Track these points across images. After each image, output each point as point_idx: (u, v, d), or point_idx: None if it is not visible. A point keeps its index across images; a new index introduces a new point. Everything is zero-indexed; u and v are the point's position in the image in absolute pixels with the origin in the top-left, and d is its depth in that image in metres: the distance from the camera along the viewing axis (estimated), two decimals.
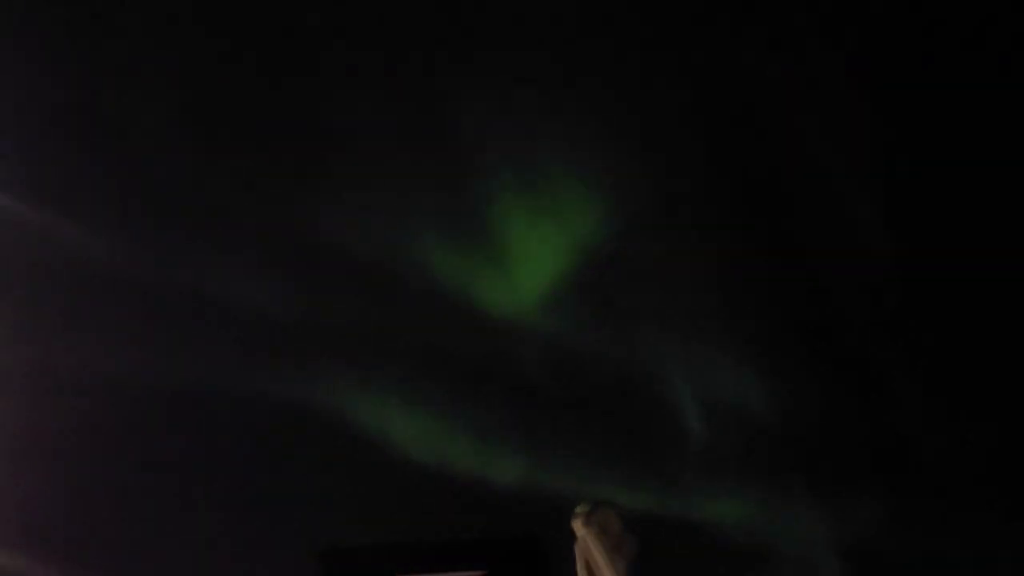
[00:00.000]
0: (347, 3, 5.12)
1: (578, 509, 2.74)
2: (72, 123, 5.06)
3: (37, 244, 5.00)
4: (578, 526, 2.76)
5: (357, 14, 5.38)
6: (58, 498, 4.91)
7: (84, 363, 5.07)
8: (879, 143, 5.64)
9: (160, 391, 5.32)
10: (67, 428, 5.07)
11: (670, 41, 5.72)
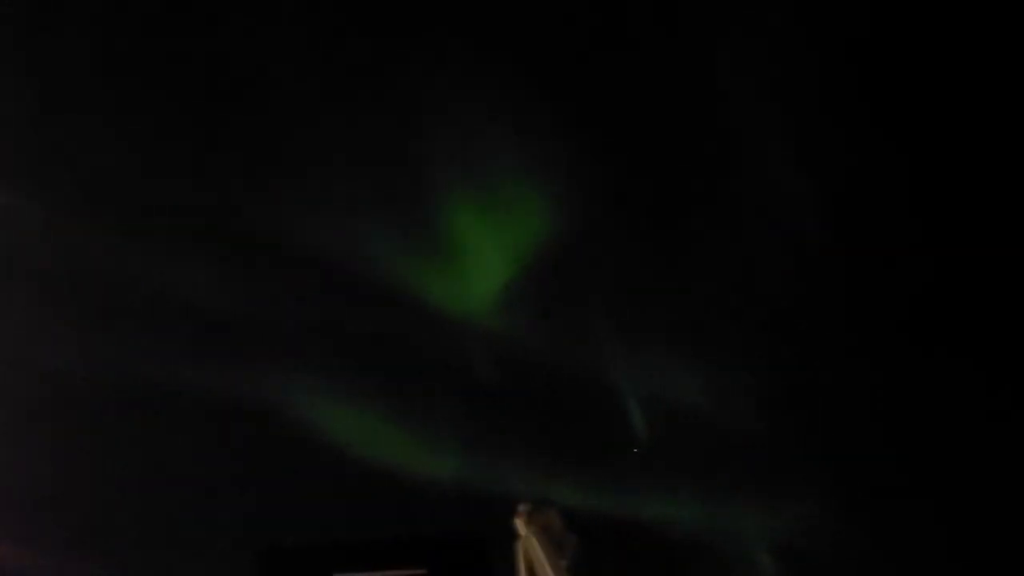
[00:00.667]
0: (302, 10, 5.08)
1: (520, 507, 2.76)
2: (13, 119, 4.92)
3: None
4: (520, 524, 2.78)
5: (311, 19, 5.34)
6: None
7: (27, 357, 4.95)
8: (820, 150, 5.76)
9: (101, 387, 5.23)
10: (8, 420, 4.95)
11: (617, 44, 5.79)
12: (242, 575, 7.00)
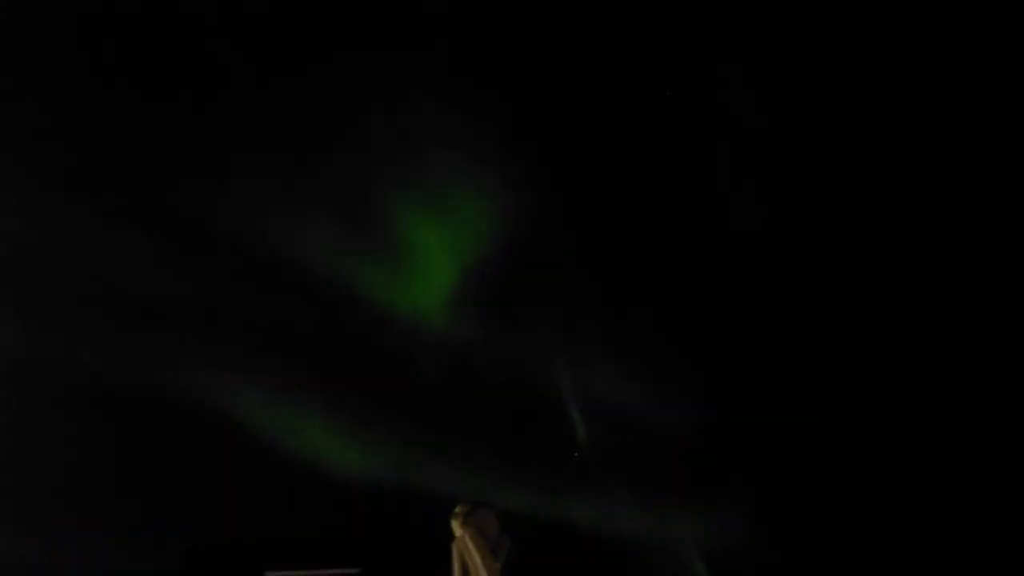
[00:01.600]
0: (252, 7, 5.02)
1: (457, 509, 2.78)
2: None
3: None
4: (456, 526, 2.79)
5: (260, 17, 5.28)
6: None
7: None
8: (768, 157, 5.87)
9: (29, 378, 5.11)
10: None
11: (566, 45, 5.84)
12: (171, 571, 6.88)
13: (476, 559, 2.79)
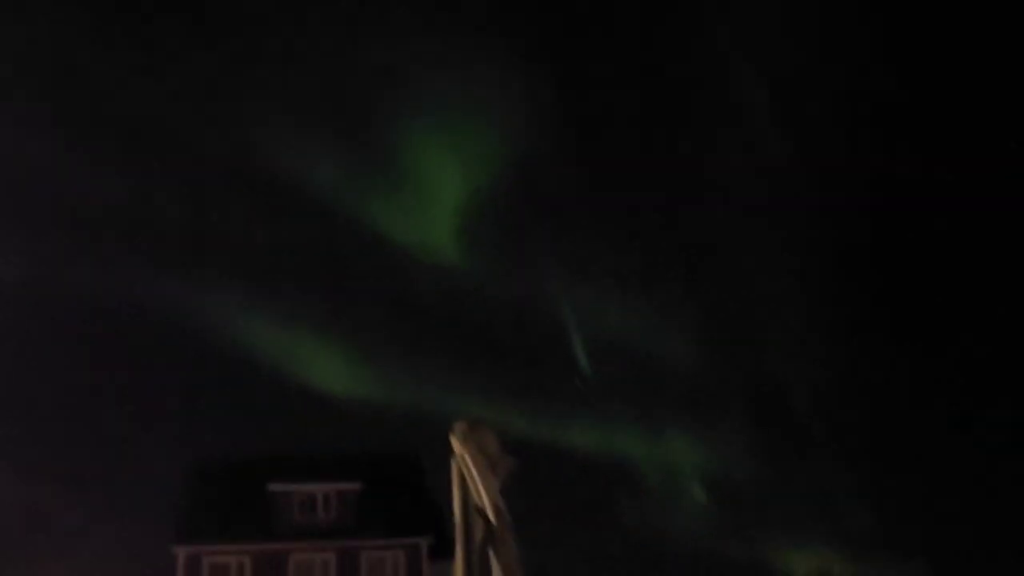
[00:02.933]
0: None
1: (457, 427, 2.81)
2: None
3: None
4: (456, 442, 2.82)
5: None
6: None
7: None
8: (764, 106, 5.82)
9: (34, 298, 5.16)
10: None
11: None
12: (179, 486, 7.03)
13: (476, 476, 2.83)
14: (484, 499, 2.95)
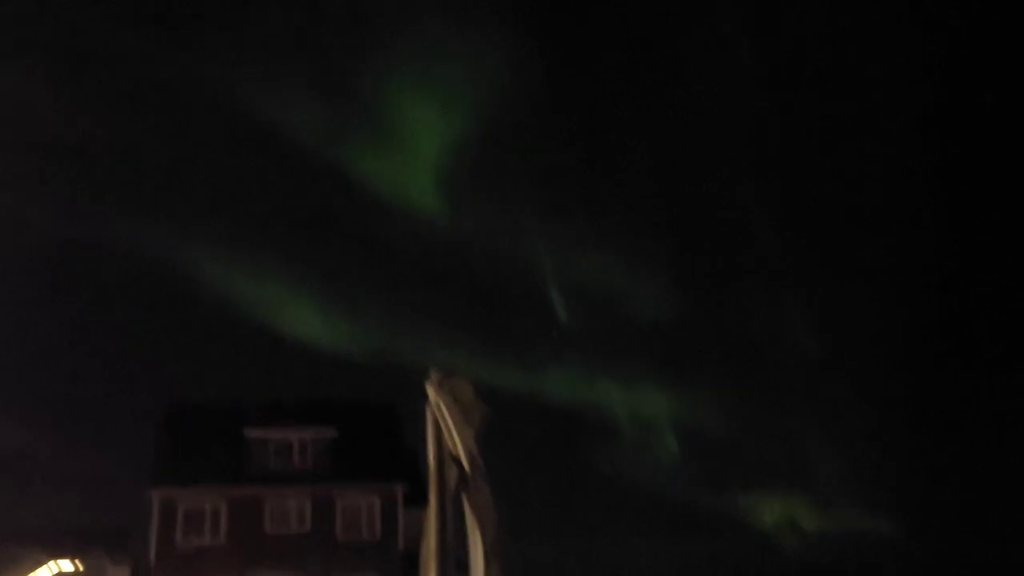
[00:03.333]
0: None
1: (432, 374, 2.82)
2: None
3: None
4: (431, 391, 2.84)
5: None
6: None
7: None
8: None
9: (18, 237, 5.12)
10: None
11: None
12: (154, 429, 7.04)
13: (450, 423, 2.86)
14: (458, 446, 2.98)
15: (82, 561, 7.11)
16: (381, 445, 7.79)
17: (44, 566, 6.91)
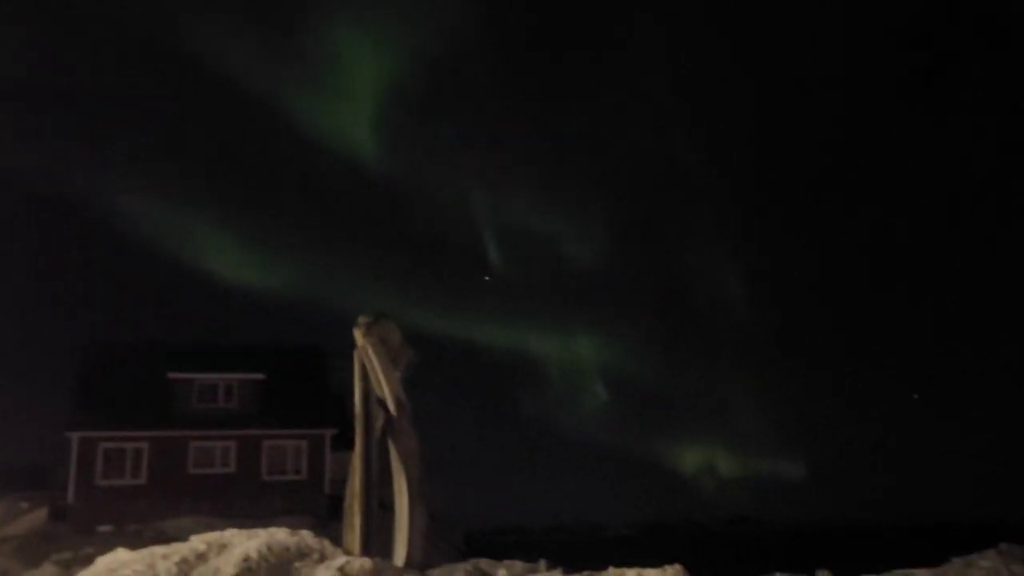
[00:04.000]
0: None
1: (360, 319, 2.80)
2: None
3: None
4: (359, 335, 2.82)
5: None
6: None
7: None
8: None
9: None
10: None
11: None
12: (74, 370, 6.85)
13: (377, 367, 2.85)
14: (385, 390, 2.98)
15: None
16: (309, 389, 7.75)
17: None
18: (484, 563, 4.59)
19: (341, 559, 2.35)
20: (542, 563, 4.31)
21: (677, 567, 2.28)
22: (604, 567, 2.45)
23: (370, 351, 2.76)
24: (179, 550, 2.49)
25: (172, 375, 7.32)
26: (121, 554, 2.58)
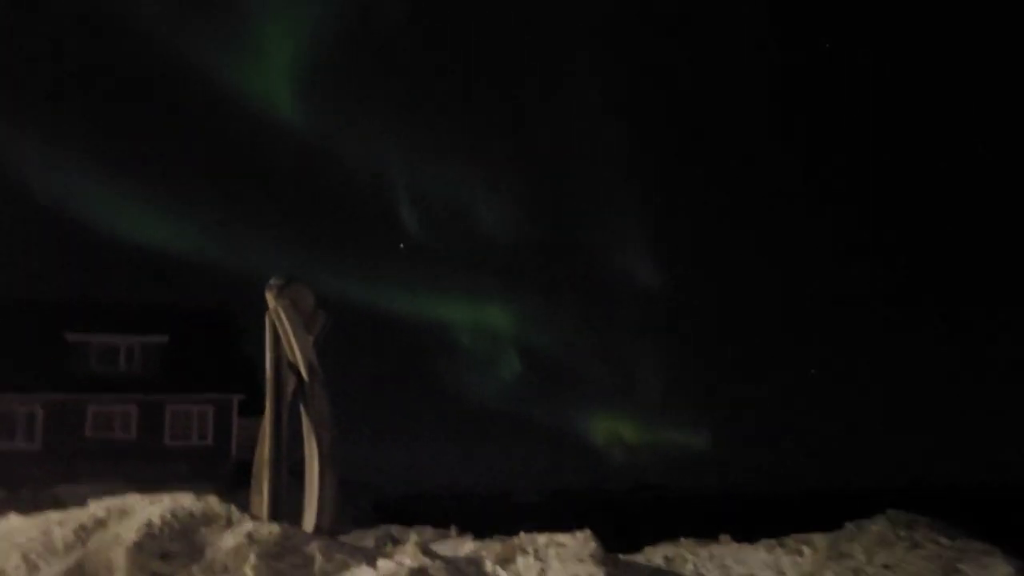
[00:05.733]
0: None
1: (272, 281, 2.73)
2: None
3: None
4: (270, 297, 2.75)
5: None
6: None
7: None
8: None
9: None
10: None
11: None
12: None
13: (289, 331, 2.80)
14: (297, 355, 2.93)
15: None
16: (216, 352, 7.57)
17: None
18: (394, 529, 4.60)
19: (249, 524, 2.31)
20: (452, 529, 4.35)
21: (587, 532, 2.33)
22: (515, 534, 2.49)
23: (282, 314, 2.70)
24: (77, 516, 2.40)
25: (70, 336, 7.04)
26: (14, 520, 2.47)
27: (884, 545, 2.56)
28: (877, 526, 2.67)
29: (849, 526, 2.72)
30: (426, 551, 2.24)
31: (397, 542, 3.37)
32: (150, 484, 4.83)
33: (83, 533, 2.24)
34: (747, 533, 2.82)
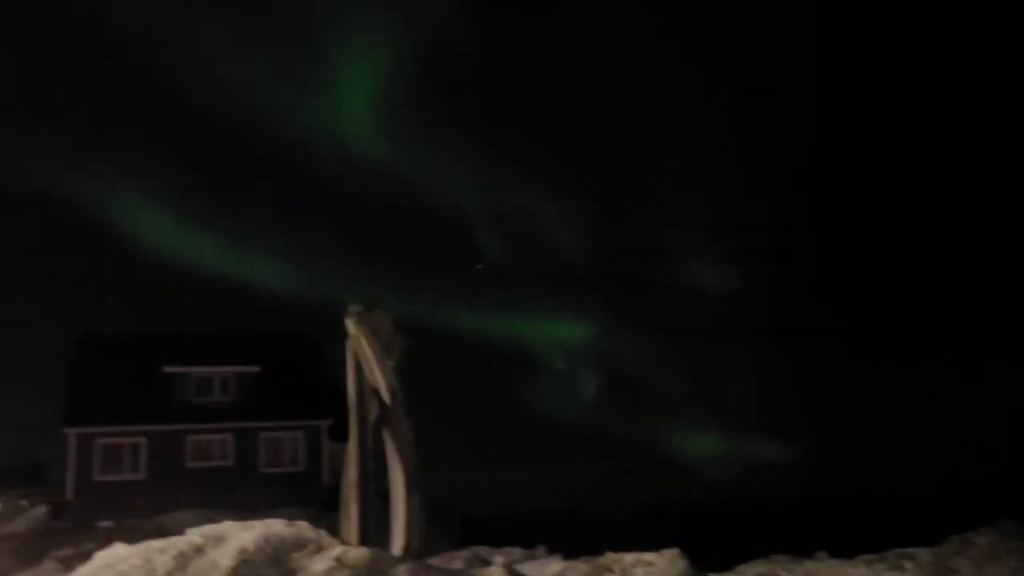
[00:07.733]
0: None
1: (351, 308, 2.79)
2: None
3: None
4: (351, 325, 2.81)
5: None
6: None
7: None
8: None
9: None
10: None
11: None
12: (65, 365, 6.81)
13: (369, 357, 2.84)
14: (378, 380, 2.97)
15: None
16: (303, 379, 7.73)
17: None
18: (483, 550, 4.59)
19: (338, 549, 2.35)
20: (541, 549, 4.32)
21: (675, 551, 2.29)
22: (602, 553, 2.46)
23: (362, 341, 2.75)
24: (176, 544, 2.48)
25: (168, 369, 7.29)
26: (119, 549, 2.57)
27: (993, 558, 2.43)
28: (984, 539, 2.54)
29: (954, 539, 2.60)
30: (512, 572, 2.23)
31: (486, 563, 3.37)
32: (247, 510, 4.95)
33: (182, 560, 2.31)
34: (844, 548, 2.72)
